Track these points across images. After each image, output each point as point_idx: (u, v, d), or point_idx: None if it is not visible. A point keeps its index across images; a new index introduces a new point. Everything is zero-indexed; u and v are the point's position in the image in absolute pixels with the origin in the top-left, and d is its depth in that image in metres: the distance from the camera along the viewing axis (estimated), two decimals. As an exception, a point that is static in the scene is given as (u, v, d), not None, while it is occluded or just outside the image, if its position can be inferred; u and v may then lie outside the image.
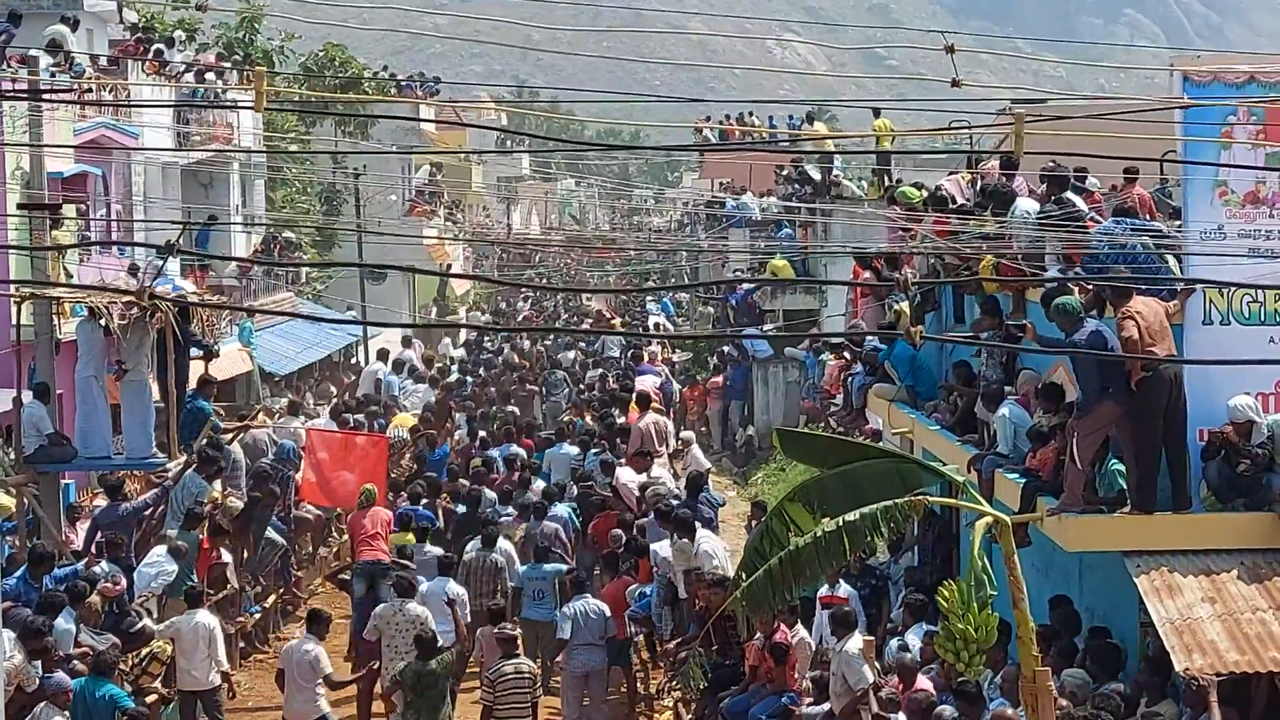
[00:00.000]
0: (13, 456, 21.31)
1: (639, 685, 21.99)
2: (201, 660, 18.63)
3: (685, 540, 19.76)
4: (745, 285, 40.21)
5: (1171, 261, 14.92)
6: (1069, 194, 17.13)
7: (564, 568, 21.92)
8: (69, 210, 27.11)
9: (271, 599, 24.25)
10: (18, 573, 18.09)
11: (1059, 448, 14.90)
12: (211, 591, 21.19)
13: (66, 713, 15.78)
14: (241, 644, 23.28)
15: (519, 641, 17.97)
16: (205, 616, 18.90)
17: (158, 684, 18.20)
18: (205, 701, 18.89)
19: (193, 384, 23.41)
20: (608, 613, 19.74)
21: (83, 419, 21.70)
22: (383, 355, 37.80)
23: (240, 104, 31.66)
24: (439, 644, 18.02)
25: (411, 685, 17.51)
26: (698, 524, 20.24)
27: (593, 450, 26.87)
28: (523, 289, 61.58)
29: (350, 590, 21.82)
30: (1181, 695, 13.19)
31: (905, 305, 21.49)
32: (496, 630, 18.24)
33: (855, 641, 15.23)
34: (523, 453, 28.04)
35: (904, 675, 15.19)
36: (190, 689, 18.70)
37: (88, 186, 30.50)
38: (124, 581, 18.86)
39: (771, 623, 16.04)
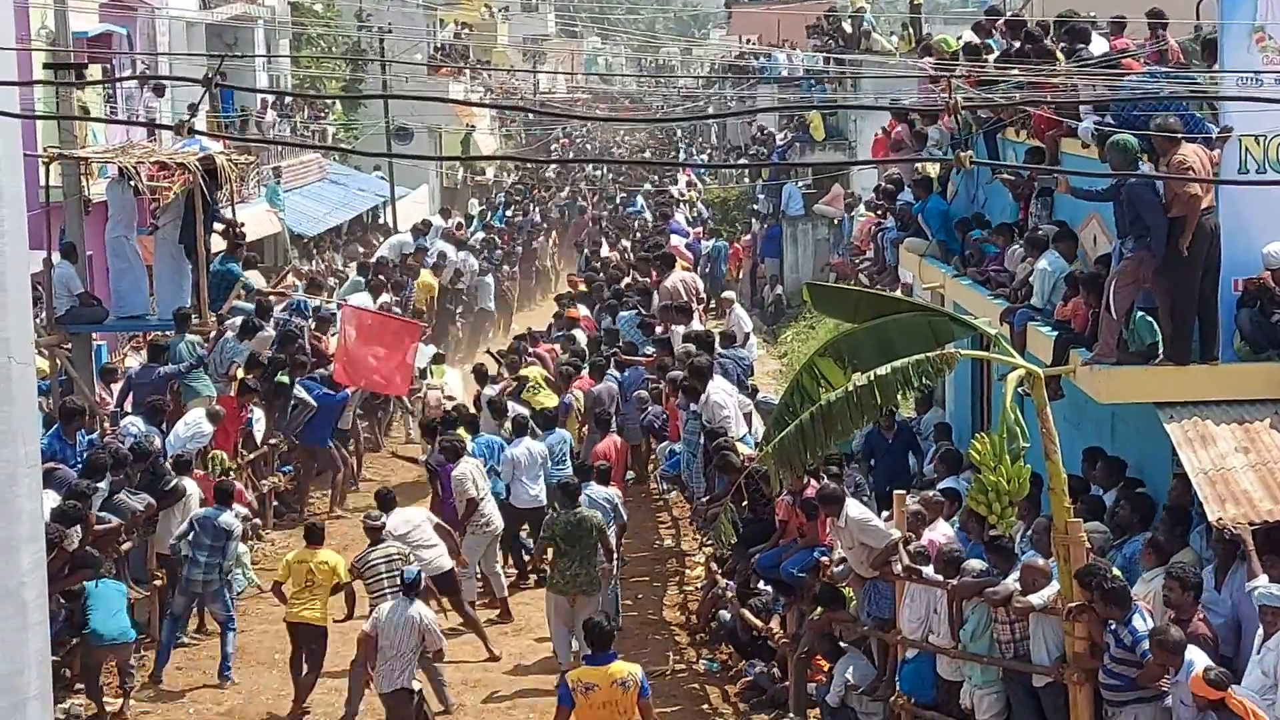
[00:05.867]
0: (44, 317, 21.34)
1: (670, 542, 22.11)
2: None
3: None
4: (781, 143, 40.14)
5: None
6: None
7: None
8: (94, 71, 26.99)
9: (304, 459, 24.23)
10: (51, 430, 18.15)
11: (1089, 300, 14.80)
12: (245, 451, 21.30)
13: None
14: (275, 503, 23.39)
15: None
16: (192, 485, 18.74)
17: None
18: None
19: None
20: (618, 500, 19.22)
21: (116, 278, 21.68)
22: (422, 228, 37.34)
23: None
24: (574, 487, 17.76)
25: (563, 536, 17.20)
26: (716, 374, 19.94)
27: (626, 311, 26.52)
28: (549, 149, 61.31)
29: None
30: (1206, 544, 13.19)
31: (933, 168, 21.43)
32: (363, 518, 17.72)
33: (854, 508, 14.96)
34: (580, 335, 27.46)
35: (919, 521, 15.10)
36: None
37: (112, 46, 30.31)
38: (158, 441, 18.98)
39: (802, 479, 16.00)
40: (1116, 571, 12.54)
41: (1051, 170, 16.74)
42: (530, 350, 25.81)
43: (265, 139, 37.12)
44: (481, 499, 19.22)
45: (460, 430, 20.61)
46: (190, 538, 17.51)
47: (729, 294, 29.49)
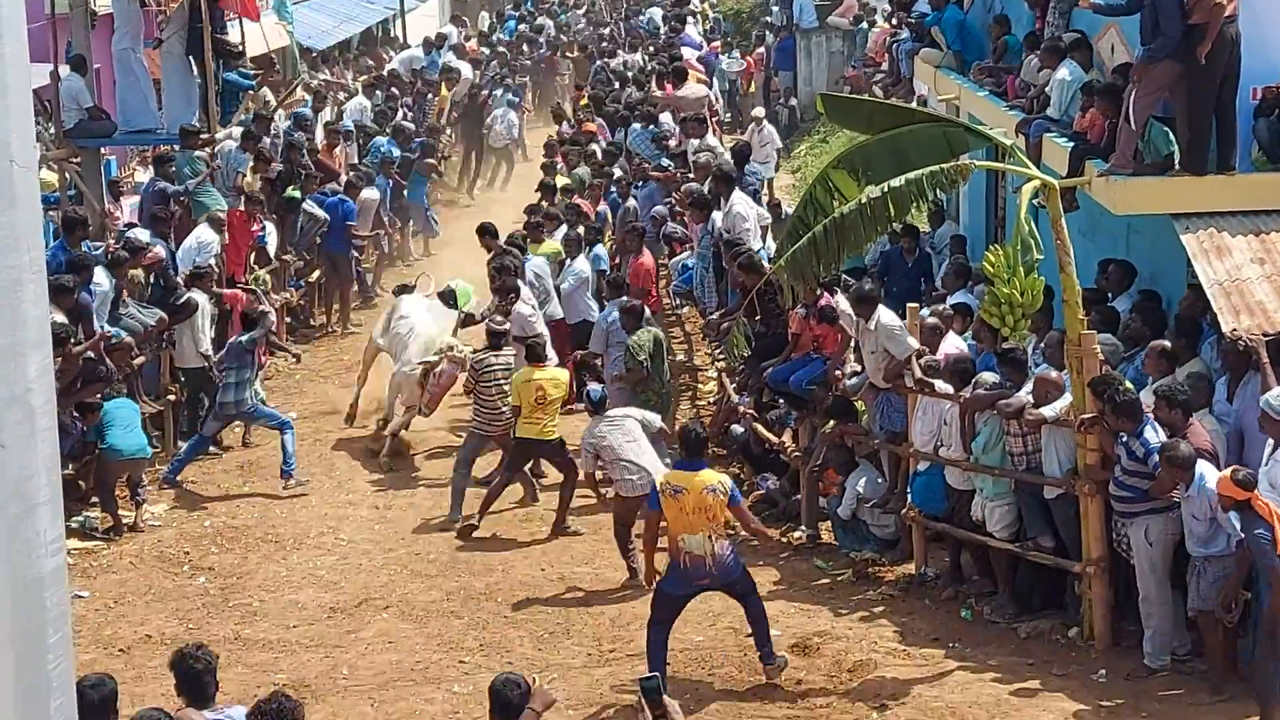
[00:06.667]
0: (53, 131, 21.16)
1: (682, 356, 22.08)
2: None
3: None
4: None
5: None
6: None
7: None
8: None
9: (315, 275, 24.19)
10: (55, 243, 18.06)
11: (1106, 111, 14.63)
12: (256, 265, 21.22)
13: None
14: (287, 319, 23.34)
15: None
16: (203, 299, 18.89)
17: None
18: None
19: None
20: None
21: (123, 90, 21.43)
22: (435, 41, 36.94)
23: None
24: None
25: (652, 354, 17.56)
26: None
27: (638, 124, 26.28)
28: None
29: None
30: (1216, 355, 13.16)
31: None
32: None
33: (885, 313, 14.95)
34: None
35: (934, 334, 15.04)
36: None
37: None
38: (163, 252, 18.90)
39: (814, 291, 15.92)
40: (1128, 384, 12.53)
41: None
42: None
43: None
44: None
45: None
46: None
47: (759, 110, 29.16)
